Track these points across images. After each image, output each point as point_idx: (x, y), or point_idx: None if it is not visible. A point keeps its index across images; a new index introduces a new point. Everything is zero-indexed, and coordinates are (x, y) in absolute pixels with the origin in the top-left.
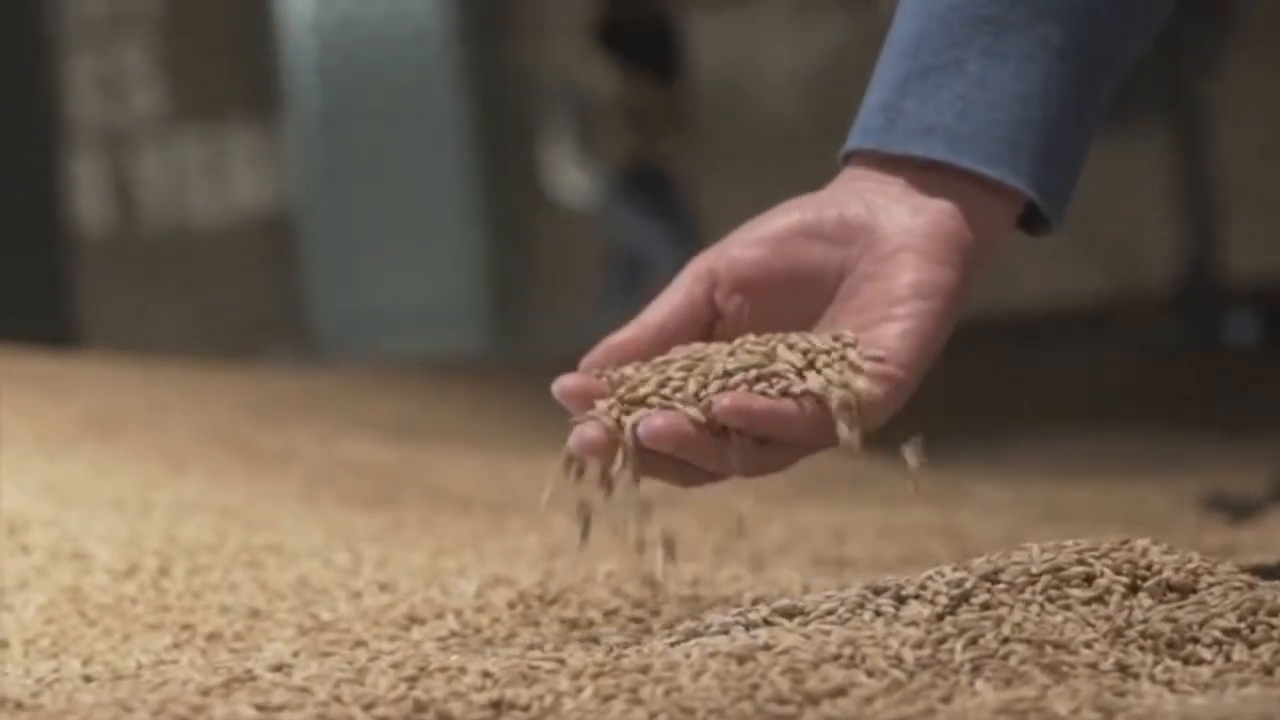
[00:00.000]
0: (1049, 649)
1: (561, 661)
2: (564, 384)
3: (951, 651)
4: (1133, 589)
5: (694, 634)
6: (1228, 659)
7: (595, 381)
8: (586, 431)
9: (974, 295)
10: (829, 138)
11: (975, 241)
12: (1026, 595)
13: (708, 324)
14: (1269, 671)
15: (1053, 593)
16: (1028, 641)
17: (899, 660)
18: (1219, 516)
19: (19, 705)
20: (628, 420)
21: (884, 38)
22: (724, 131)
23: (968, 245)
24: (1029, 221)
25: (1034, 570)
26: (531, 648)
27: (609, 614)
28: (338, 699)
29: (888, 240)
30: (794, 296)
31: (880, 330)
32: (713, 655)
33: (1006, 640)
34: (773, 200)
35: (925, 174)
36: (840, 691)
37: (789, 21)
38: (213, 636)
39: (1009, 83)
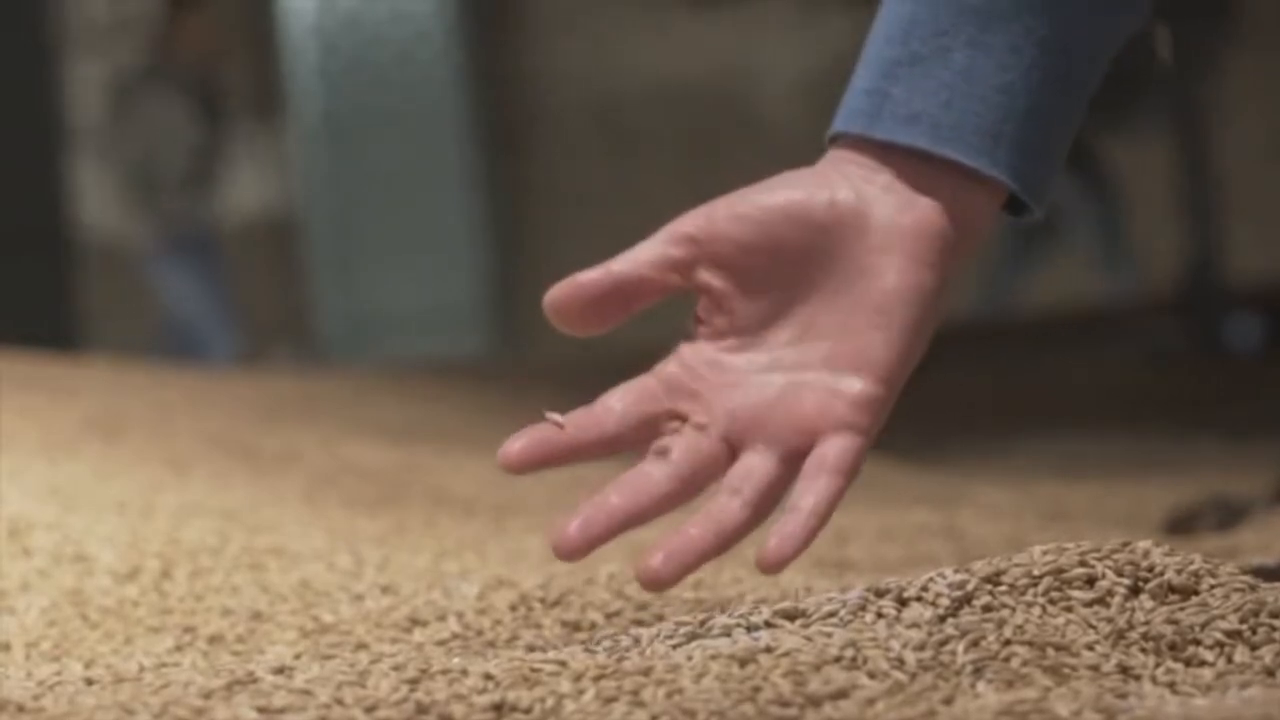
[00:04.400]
0: (1051, 651)
1: (563, 664)
2: (508, 457)
3: (953, 653)
4: (1134, 591)
5: (695, 636)
6: (1229, 661)
7: (538, 440)
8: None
9: (976, 296)
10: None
11: (958, 234)
12: (1028, 597)
13: (674, 288)
14: (1271, 673)
15: (1054, 594)
16: (1029, 643)
17: (901, 662)
18: (1209, 520)
19: (21, 708)
20: None
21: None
22: (725, 133)
23: (951, 242)
24: (1016, 206)
25: (1036, 572)
26: (533, 650)
27: (611, 616)
28: (339, 701)
29: (875, 234)
30: (775, 278)
31: (865, 339)
32: (714, 657)
33: (1008, 642)
34: None
35: (909, 161)
36: (842, 693)
37: (791, 23)
38: (215, 639)
39: (992, 74)
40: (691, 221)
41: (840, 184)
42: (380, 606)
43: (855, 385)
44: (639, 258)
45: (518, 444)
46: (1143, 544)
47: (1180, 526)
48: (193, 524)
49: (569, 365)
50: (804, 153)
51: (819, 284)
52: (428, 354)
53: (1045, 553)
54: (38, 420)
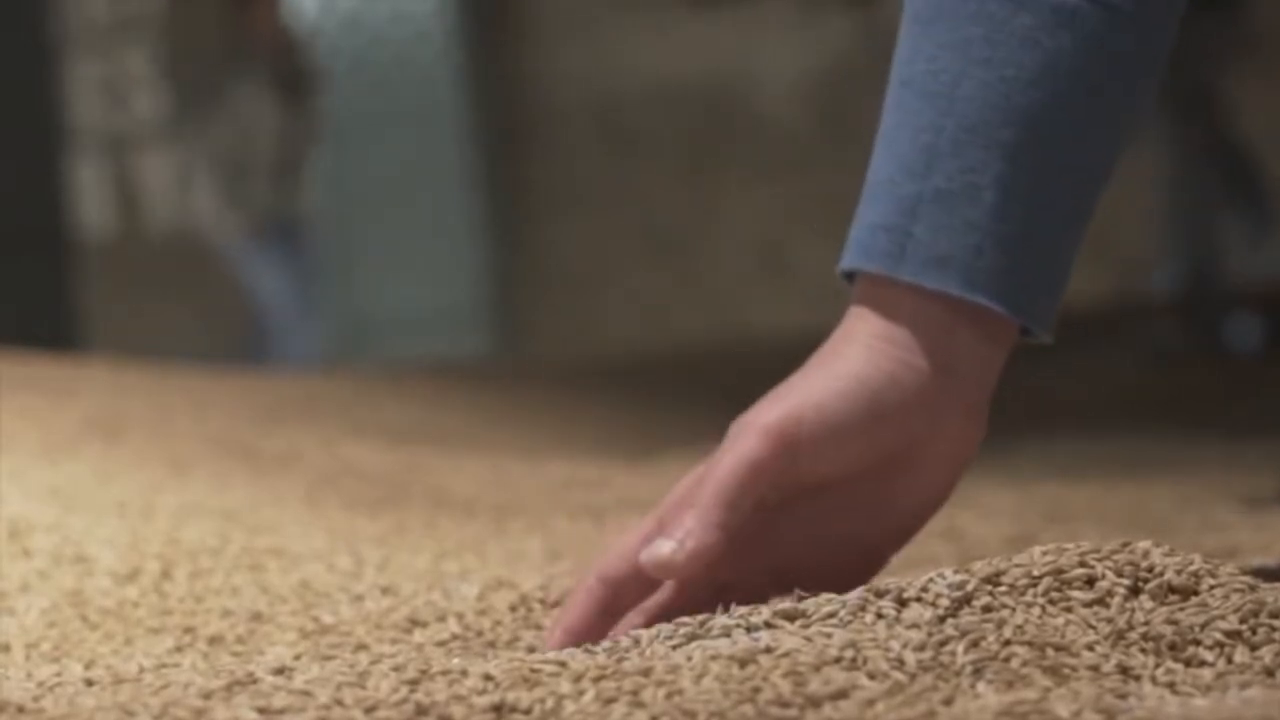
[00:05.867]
0: (1050, 651)
1: (563, 664)
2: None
3: (953, 654)
4: (1134, 591)
5: (695, 636)
6: (1229, 661)
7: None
8: None
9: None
10: (830, 140)
11: (983, 387)
12: (1028, 598)
13: None
14: (1271, 673)
15: (1054, 595)
16: (1029, 644)
17: (900, 663)
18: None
19: (20, 709)
20: None
21: (885, 39)
22: (725, 133)
23: (983, 429)
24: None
25: (1035, 573)
26: (533, 650)
27: None
28: (339, 702)
29: (931, 460)
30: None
31: (891, 530)
32: (714, 658)
33: (1008, 643)
34: (774, 203)
35: (935, 304)
36: (842, 694)
37: (791, 23)
38: (214, 640)
39: (1020, 214)
40: (778, 457)
41: (914, 394)
42: (380, 607)
43: (863, 559)
44: (740, 503)
45: (558, 641)
46: (1143, 544)
47: None
48: (193, 525)
49: (569, 365)
50: (804, 153)
51: (863, 465)
52: (428, 355)
53: (1045, 553)
54: (38, 421)
